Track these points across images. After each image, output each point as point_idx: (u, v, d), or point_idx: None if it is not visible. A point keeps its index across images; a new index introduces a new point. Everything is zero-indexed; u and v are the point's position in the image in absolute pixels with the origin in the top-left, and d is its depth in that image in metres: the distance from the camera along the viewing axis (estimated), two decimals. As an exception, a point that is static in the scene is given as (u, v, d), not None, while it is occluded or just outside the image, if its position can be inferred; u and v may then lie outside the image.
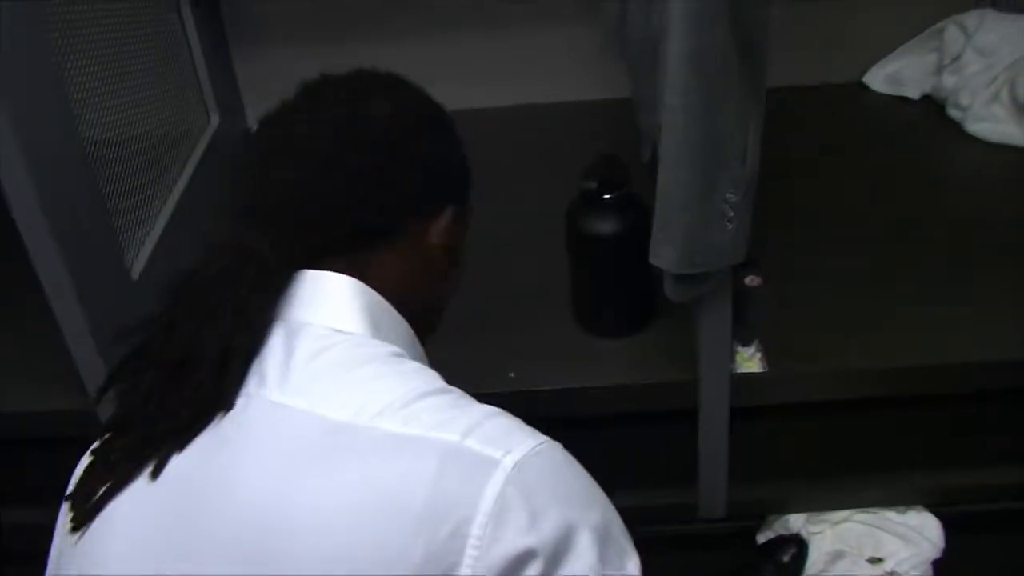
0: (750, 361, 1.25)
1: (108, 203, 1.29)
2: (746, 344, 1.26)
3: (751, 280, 1.27)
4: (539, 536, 0.68)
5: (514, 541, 0.67)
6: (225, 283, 0.78)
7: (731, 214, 0.96)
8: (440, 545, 0.67)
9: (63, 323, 1.20)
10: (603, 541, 0.71)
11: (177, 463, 0.73)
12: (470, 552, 0.67)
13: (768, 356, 1.27)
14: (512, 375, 1.30)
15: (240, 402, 0.75)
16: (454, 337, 1.34)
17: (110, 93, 1.34)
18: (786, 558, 1.40)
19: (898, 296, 1.36)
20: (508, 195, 1.65)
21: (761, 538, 1.46)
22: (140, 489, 0.74)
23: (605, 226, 1.23)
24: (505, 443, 0.71)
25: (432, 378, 0.78)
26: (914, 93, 1.80)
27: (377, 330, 0.81)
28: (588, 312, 1.34)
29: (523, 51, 1.84)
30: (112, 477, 0.75)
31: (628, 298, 1.31)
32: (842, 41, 1.83)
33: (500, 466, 0.69)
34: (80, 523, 0.75)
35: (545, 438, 0.74)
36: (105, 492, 0.74)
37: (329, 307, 0.80)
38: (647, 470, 1.44)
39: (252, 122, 1.94)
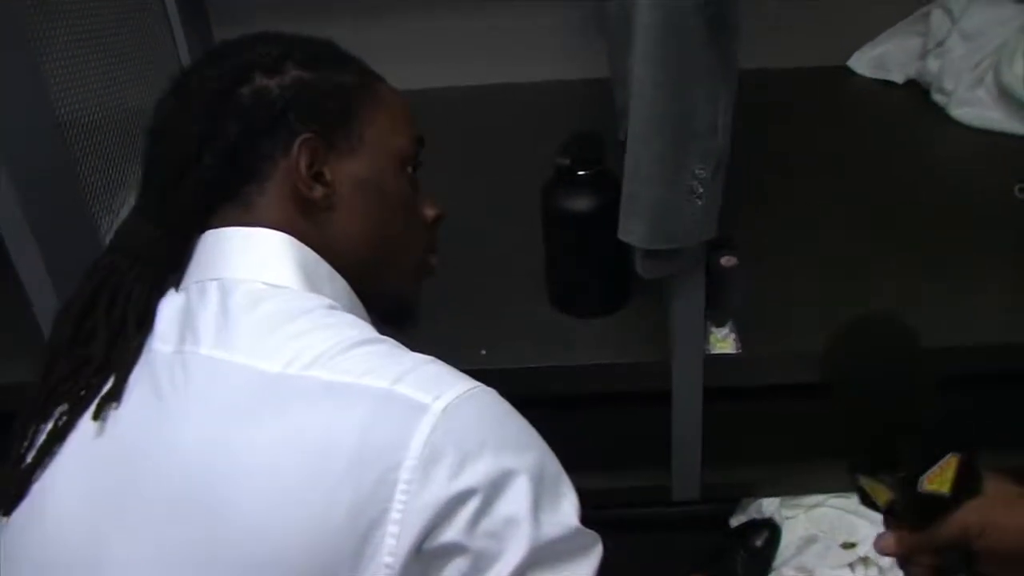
0: (724, 342, 1.23)
1: (81, 179, 1.29)
2: (720, 325, 1.25)
3: (727, 260, 1.26)
4: (470, 480, 0.67)
5: (445, 486, 0.67)
6: (115, 254, 0.83)
7: (700, 190, 0.95)
8: (368, 491, 0.66)
9: (34, 298, 1.20)
10: (538, 484, 0.70)
11: (114, 424, 0.74)
12: (399, 498, 0.67)
13: (743, 337, 1.26)
14: (484, 352, 1.29)
15: (176, 359, 0.75)
16: (426, 313, 1.34)
17: (86, 69, 1.32)
18: (759, 542, 1.40)
19: (876, 278, 1.35)
20: (486, 173, 1.65)
21: (734, 522, 1.46)
22: (76, 452, 0.74)
23: (579, 203, 1.22)
24: (435, 388, 0.70)
25: (366, 329, 0.78)
26: (899, 77, 1.79)
27: (311, 284, 0.80)
28: (562, 291, 1.33)
29: (502, 30, 1.83)
30: (40, 449, 0.76)
31: (602, 277, 1.30)
32: (828, 24, 1.82)
33: (429, 410, 0.68)
34: (15, 495, 0.75)
35: (477, 383, 0.74)
36: (32, 464, 0.75)
37: (261, 262, 0.80)
38: (621, 451, 1.43)
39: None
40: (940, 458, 0.79)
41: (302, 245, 0.82)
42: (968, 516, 0.80)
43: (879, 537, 0.85)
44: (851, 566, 1.34)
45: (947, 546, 0.81)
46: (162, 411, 0.73)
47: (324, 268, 0.83)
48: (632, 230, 1.00)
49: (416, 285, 0.97)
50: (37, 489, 0.75)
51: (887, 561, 1.36)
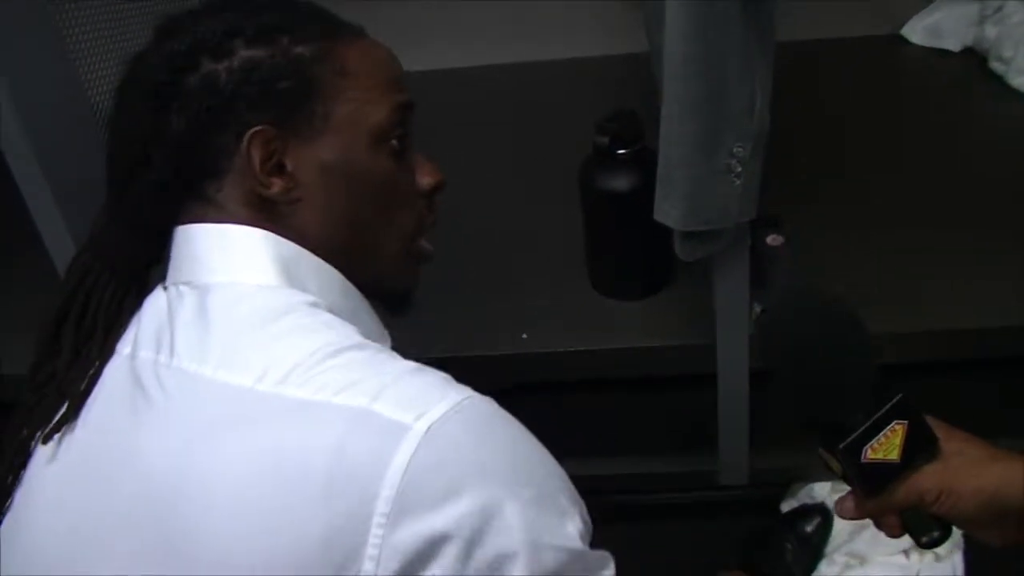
0: (769, 323, 1.20)
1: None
2: (765, 304, 1.22)
3: (773, 239, 1.22)
4: (454, 513, 0.62)
5: (426, 521, 0.61)
6: (88, 253, 0.81)
7: (738, 169, 0.92)
8: (342, 523, 0.61)
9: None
10: (534, 508, 0.65)
11: (85, 441, 0.72)
12: (375, 532, 0.61)
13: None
14: (525, 336, 1.27)
15: (153, 370, 0.71)
16: (467, 297, 1.33)
17: (112, 48, 1.30)
18: (809, 528, 1.36)
19: (930, 258, 1.30)
20: (525, 152, 1.62)
21: (785, 507, 1.42)
22: (53, 470, 0.73)
23: (618, 183, 1.19)
24: (419, 404, 0.64)
25: (347, 332, 0.72)
26: (954, 45, 1.72)
27: (292, 279, 0.75)
28: (603, 273, 1.30)
29: (540, 6, 1.79)
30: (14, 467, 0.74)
31: (643, 258, 1.27)
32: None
33: (410, 432, 0.62)
34: None
35: (469, 394, 0.67)
36: (7, 484, 0.74)
37: (236, 262, 0.75)
38: (667, 435, 1.41)
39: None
40: (883, 427, 0.80)
41: (280, 239, 0.76)
42: (923, 482, 0.80)
43: (838, 501, 0.87)
44: (905, 552, 1.30)
45: (906, 510, 0.82)
46: (135, 426, 0.70)
47: (308, 261, 0.77)
48: (668, 211, 0.97)
49: (409, 271, 0.88)
50: (17, 505, 0.74)
51: (944, 547, 1.32)
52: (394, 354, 0.71)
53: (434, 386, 0.67)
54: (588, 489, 1.42)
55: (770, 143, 1.50)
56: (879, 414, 0.81)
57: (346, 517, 0.61)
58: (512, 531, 0.63)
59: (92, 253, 0.80)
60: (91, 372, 0.74)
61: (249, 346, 0.69)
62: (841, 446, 0.81)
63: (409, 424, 0.63)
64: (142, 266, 0.80)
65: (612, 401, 1.41)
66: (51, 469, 0.73)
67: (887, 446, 0.80)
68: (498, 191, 1.53)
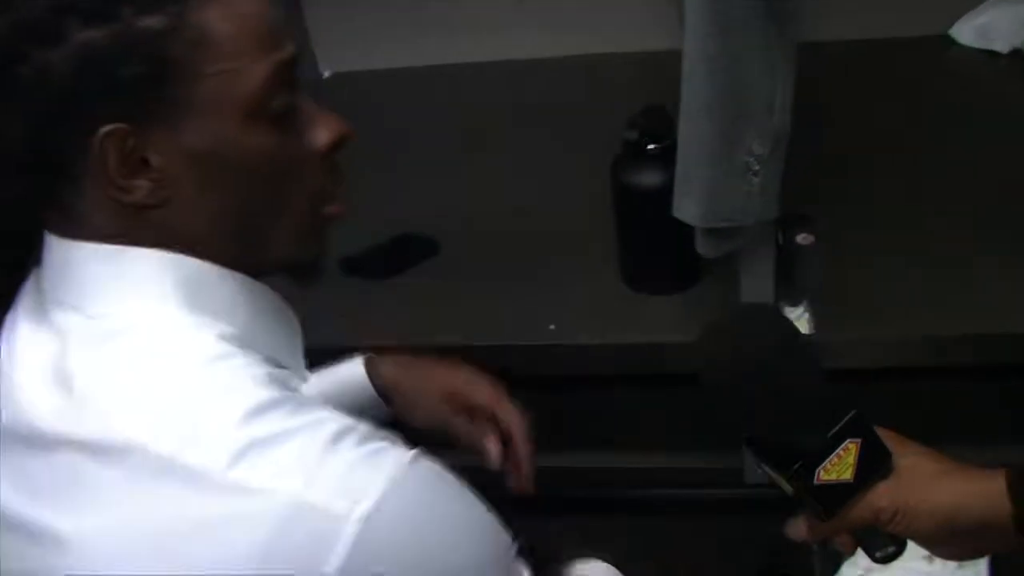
0: (797, 322, 1.19)
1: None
2: (794, 304, 1.21)
3: (803, 238, 1.21)
4: None
5: None
6: None
7: (756, 167, 0.92)
8: None
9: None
10: None
11: None
12: None
13: (818, 319, 1.22)
14: (552, 327, 1.28)
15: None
16: (496, 287, 1.34)
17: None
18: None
19: (966, 264, 1.28)
20: (557, 147, 1.62)
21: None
22: None
23: (648, 178, 1.19)
24: (355, 486, 0.59)
25: (261, 374, 0.65)
26: (1004, 47, 1.70)
27: (194, 305, 0.67)
28: (632, 267, 1.31)
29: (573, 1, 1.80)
30: None
31: (673, 253, 1.27)
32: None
33: (347, 524, 0.58)
34: None
35: (404, 457, 0.62)
36: None
37: (128, 291, 0.67)
38: (692, 431, 1.40)
39: (323, 68, 1.94)
40: (835, 447, 0.76)
41: (180, 259, 0.67)
42: (878, 501, 0.77)
43: (789, 523, 0.83)
44: (928, 557, 1.29)
45: (861, 529, 0.79)
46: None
47: (209, 278, 0.69)
48: (686, 208, 0.98)
49: (314, 242, 0.75)
50: None
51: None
52: (309, 401, 0.66)
53: (367, 455, 0.62)
54: (611, 482, 1.44)
55: (809, 141, 1.50)
56: (831, 434, 0.76)
57: None
58: None
59: None
60: None
61: (145, 413, 0.62)
62: (792, 469, 0.77)
63: (344, 514, 0.59)
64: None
65: (638, 395, 1.42)
66: None
67: (840, 466, 0.76)
68: (531, 184, 1.54)
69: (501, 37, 1.82)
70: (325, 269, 0.78)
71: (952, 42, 1.75)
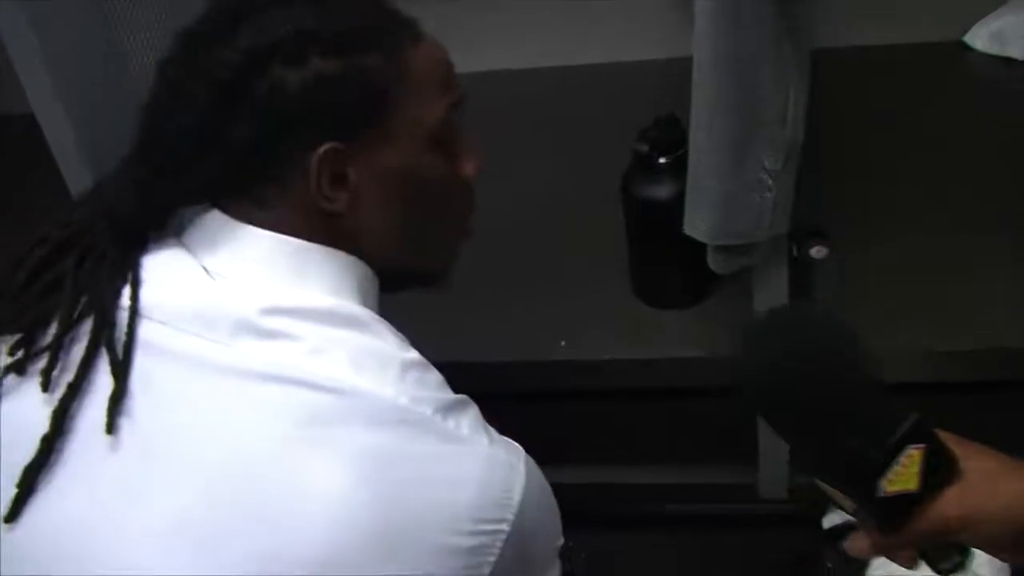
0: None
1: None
2: (809, 318, 1.20)
3: (817, 251, 1.20)
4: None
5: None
6: (90, 209, 0.78)
7: (770, 183, 0.90)
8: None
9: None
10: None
11: (136, 424, 0.69)
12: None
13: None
14: (563, 344, 1.27)
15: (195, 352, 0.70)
16: (505, 302, 1.32)
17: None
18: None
19: (987, 275, 1.26)
20: (567, 158, 1.60)
21: (827, 523, 1.39)
22: (91, 460, 0.70)
23: (659, 191, 1.17)
24: (512, 446, 0.74)
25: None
26: (1019, 53, 1.67)
27: (364, 302, 0.77)
28: (644, 281, 1.29)
29: (586, 9, 1.78)
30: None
31: (685, 267, 1.25)
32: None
33: (518, 473, 0.72)
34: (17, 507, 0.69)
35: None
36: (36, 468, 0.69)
37: (311, 282, 0.75)
38: (707, 446, 1.39)
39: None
40: (898, 455, 0.70)
41: (358, 262, 0.78)
42: (946, 509, 0.71)
43: (851, 539, 0.78)
44: (948, 572, 1.27)
45: (928, 542, 0.74)
46: (189, 419, 0.69)
47: (374, 279, 0.80)
48: (697, 225, 0.96)
49: (453, 254, 0.91)
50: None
51: (986, 568, 1.29)
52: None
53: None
54: (626, 497, 1.43)
55: (822, 150, 1.48)
56: (893, 441, 0.70)
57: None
58: None
59: (99, 213, 0.77)
60: (119, 342, 0.71)
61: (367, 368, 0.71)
62: (854, 482, 0.72)
63: (516, 464, 0.73)
64: (145, 235, 0.78)
65: (651, 410, 1.40)
66: (114, 457, 0.69)
67: (904, 476, 0.71)
68: (541, 196, 1.52)
69: (511, 45, 1.81)
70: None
71: (967, 48, 1.73)
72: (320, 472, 0.65)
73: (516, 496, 0.70)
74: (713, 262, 1.01)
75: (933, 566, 0.76)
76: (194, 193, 0.78)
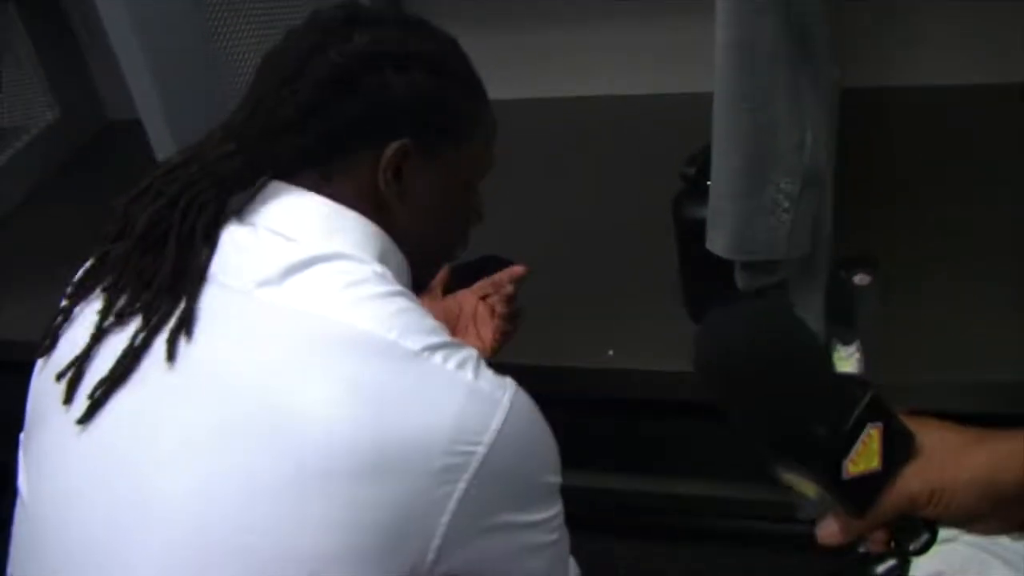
0: (847, 361, 1.22)
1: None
2: (847, 343, 1.23)
3: (860, 279, 1.24)
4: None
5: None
6: (196, 167, 0.87)
7: (786, 204, 0.95)
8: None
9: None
10: None
11: (201, 356, 0.79)
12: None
13: (870, 359, 1.23)
14: (611, 353, 1.33)
15: (252, 300, 0.80)
16: (561, 310, 1.39)
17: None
18: (882, 571, 1.35)
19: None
20: (631, 180, 1.67)
21: (862, 547, 1.41)
22: (151, 380, 0.80)
23: (705, 212, 1.22)
24: (503, 381, 0.80)
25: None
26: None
27: (383, 261, 0.87)
28: (693, 298, 1.34)
29: (642, 44, 1.85)
30: (115, 366, 0.80)
31: (732, 285, 1.30)
32: (1008, 40, 1.72)
33: (500, 407, 0.78)
34: (89, 415, 0.79)
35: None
36: (110, 383, 0.79)
37: (344, 240, 0.85)
38: (747, 463, 1.42)
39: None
40: (857, 435, 0.70)
41: (384, 234, 0.88)
42: (910, 485, 0.71)
43: (821, 526, 0.76)
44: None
45: (897, 520, 0.73)
46: (231, 350, 0.79)
47: (395, 252, 0.90)
48: (716, 241, 1.01)
49: (435, 274, 1.08)
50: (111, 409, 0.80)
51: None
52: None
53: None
54: (663, 508, 1.47)
55: (878, 184, 1.51)
56: (851, 420, 0.70)
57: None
58: None
59: (202, 169, 0.87)
60: (196, 285, 0.82)
61: (365, 303, 0.81)
62: (817, 465, 0.71)
63: (500, 398, 0.78)
64: (234, 195, 0.89)
65: (693, 424, 1.44)
66: (169, 379, 0.79)
67: (866, 455, 0.70)
68: (598, 215, 1.60)
69: (573, 75, 1.91)
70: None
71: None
72: (316, 394, 0.75)
73: (494, 424, 0.76)
74: (739, 278, 1.06)
75: (902, 548, 0.75)
76: (284, 161, 0.88)
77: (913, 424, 0.73)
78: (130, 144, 1.25)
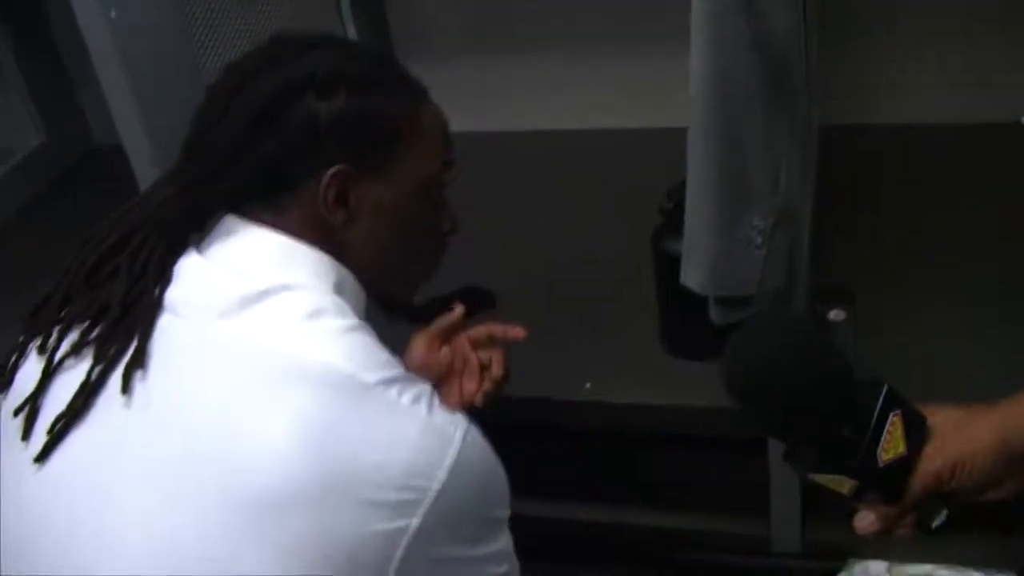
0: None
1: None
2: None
3: (836, 315, 1.24)
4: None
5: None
6: (142, 215, 0.89)
7: (759, 240, 0.96)
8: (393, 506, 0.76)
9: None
10: None
11: (154, 386, 0.80)
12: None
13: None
14: (588, 386, 1.33)
15: (204, 332, 0.81)
16: (538, 342, 1.39)
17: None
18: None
19: (1010, 358, 1.27)
20: (608, 215, 1.68)
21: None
22: (108, 414, 0.80)
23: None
24: (455, 417, 0.80)
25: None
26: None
27: (340, 294, 0.87)
28: (671, 331, 1.35)
29: (614, 77, 1.87)
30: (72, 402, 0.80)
31: (709, 319, 1.30)
32: (1001, 78, 1.74)
33: (453, 444, 0.78)
34: (47, 451, 0.80)
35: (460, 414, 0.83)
36: (67, 418, 0.80)
37: (298, 273, 0.86)
38: (722, 496, 1.43)
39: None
40: (882, 425, 0.78)
41: (337, 264, 0.89)
42: (935, 464, 0.79)
43: (858, 518, 0.83)
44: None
45: (925, 500, 0.80)
46: (187, 381, 0.80)
47: (352, 284, 0.90)
48: (691, 277, 1.02)
49: (414, 290, 1.03)
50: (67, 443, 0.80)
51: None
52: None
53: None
54: (639, 540, 1.47)
55: (862, 221, 1.52)
56: (877, 412, 0.78)
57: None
58: None
59: (149, 218, 0.89)
60: (150, 316, 0.83)
61: (319, 337, 0.81)
62: (857, 459, 0.78)
63: (452, 434, 0.79)
64: (187, 234, 0.91)
65: (670, 457, 1.45)
66: (125, 412, 0.80)
67: (894, 441, 0.78)
68: (575, 247, 1.61)
69: (554, 108, 1.92)
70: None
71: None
72: (268, 425, 0.75)
73: (447, 461, 0.77)
74: (713, 313, 1.07)
75: (925, 527, 0.82)
76: (227, 199, 0.89)
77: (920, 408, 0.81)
78: (115, 168, 1.25)
